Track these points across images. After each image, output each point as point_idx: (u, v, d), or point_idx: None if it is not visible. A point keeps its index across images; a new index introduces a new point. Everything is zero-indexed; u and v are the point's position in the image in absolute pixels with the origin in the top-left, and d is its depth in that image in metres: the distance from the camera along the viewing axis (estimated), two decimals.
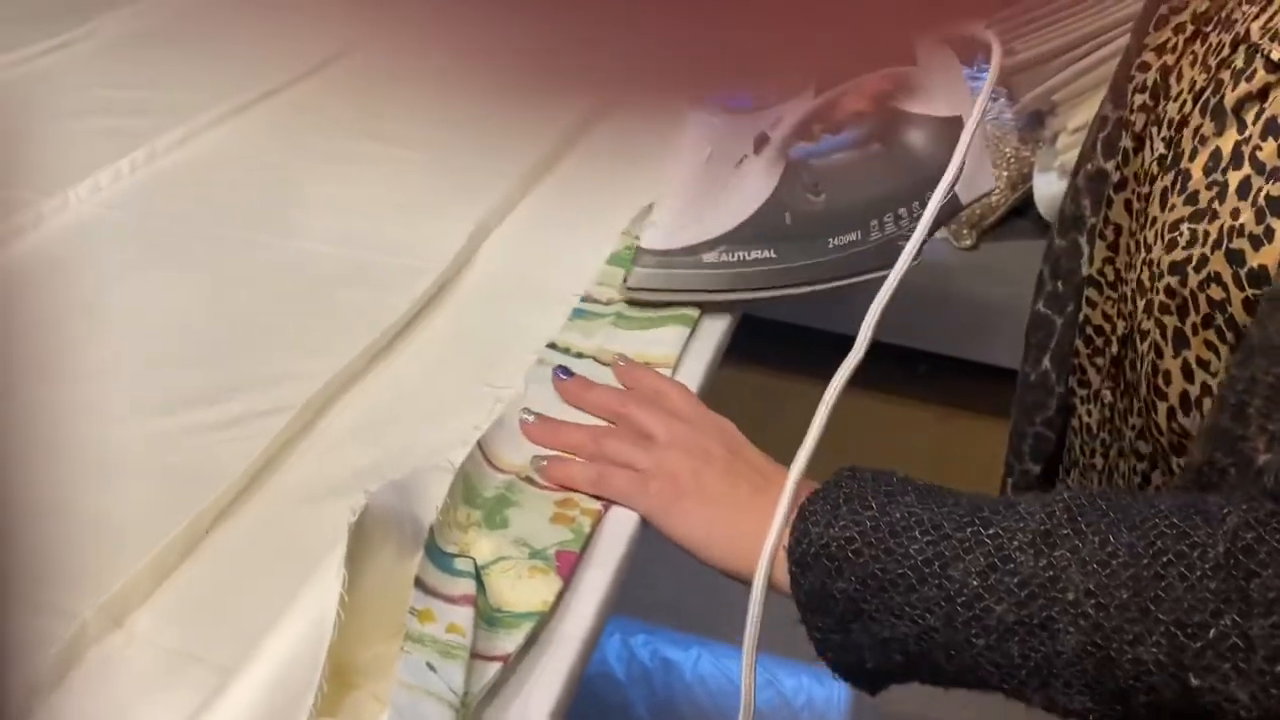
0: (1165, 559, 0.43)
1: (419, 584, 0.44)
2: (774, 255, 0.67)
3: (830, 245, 0.69)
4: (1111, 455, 0.63)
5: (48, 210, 0.79)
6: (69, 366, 0.64)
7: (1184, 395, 0.52)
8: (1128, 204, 0.59)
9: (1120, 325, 0.61)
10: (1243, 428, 0.47)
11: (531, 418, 0.59)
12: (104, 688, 0.45)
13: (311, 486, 0.57)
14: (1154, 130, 0.56)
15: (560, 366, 0.63)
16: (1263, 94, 0.47)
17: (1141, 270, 0.55)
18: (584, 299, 0.71)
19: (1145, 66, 0.58)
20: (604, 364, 0.65)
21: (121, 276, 0.73)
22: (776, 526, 0.50)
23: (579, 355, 0.65)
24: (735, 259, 0.66)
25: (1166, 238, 0.52)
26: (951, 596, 0.45)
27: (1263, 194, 0.46)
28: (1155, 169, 0.55)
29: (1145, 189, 0.56)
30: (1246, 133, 0.48)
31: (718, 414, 0.59)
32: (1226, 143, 0.49)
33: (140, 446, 0.58)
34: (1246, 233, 0.47)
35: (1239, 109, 0.49)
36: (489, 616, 0.46)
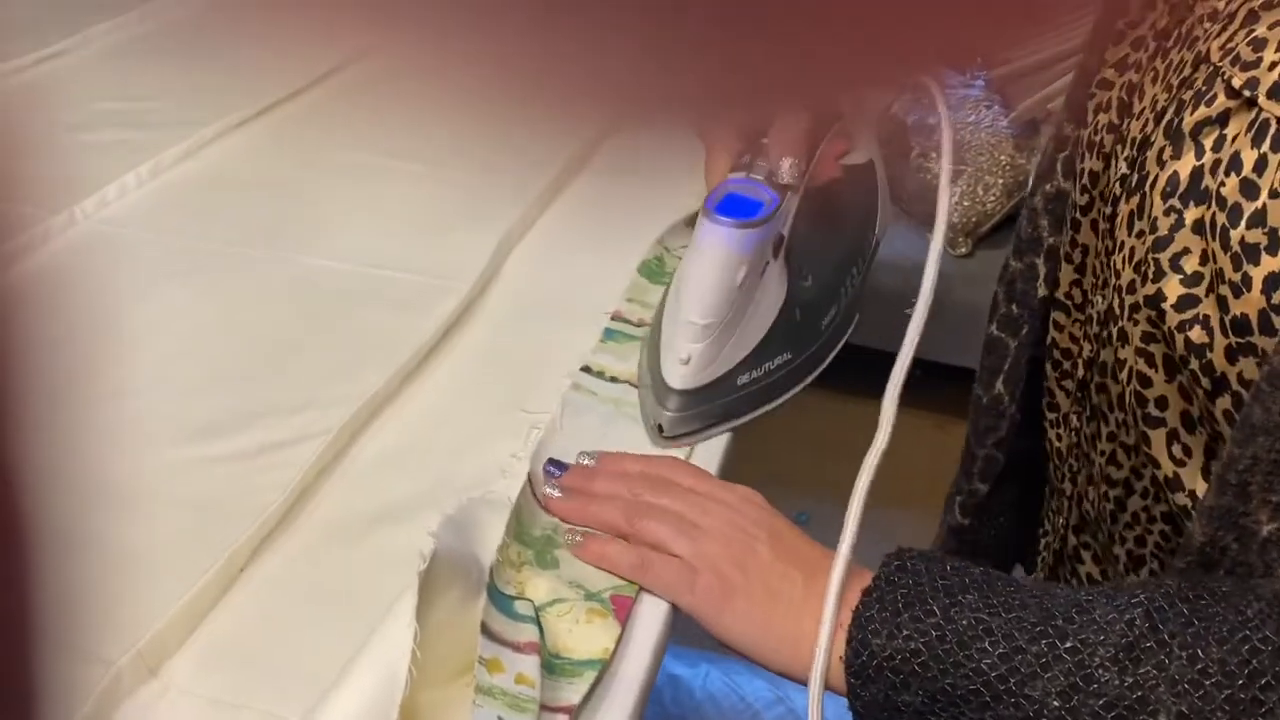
0: (1264, 681, 0.41)
1: (484, 629, 0.42)
2: (790, 356, 0.63)
3: (823, 326, 0.67)
4: (1080, 481, 0.61)
5: (54, 227, 0.76)
6: (81, 392, 0.62)
7: (1184, 416, 0.51)
8: (1094, 225, 0.58)
9: (1087, 348, 0.59)
10: (1244, 504, 0.45)
11: (556, 491, 0.54)
12: None
13: (346, 520, 0.54)
14: (1119, 149, 0.55)
15: (550, 462, 0.56)
16: (1222, 119, 0.46)
17: (1113, 297, 0.53)
18: (614, 317, 0.69)
19: (1107, 84, 0.57)
20: (638, 387, 0.63)
21: (132, 296, 0.70)
22: (827, 629, 0.47)
23: (613, 379, 0.63)
24: (763, 372, 0.61)
25: (1142, 268, 0.50)
26: (1031, 717, 0.43)
27: (1236, 239, 0.45)
28: (1119, 189, 0.53)
29: (1109, 209, 0.55)
30: (1204, 158, 0.47)
31: (735, 484, 0.55)
32: (1184, 167, 0.48)
33: (163, 477, 0.56)
34: (1226, 279, 0.45)
35: (1197, 132, 0.47)
36: (549, 663, 0.44)
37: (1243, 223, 0.44)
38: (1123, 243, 0.52)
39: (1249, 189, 0.44)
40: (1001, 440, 0.66)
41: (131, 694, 0.44)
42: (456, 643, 0.43)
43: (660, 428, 0.59)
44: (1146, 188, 0.50)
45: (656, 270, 0.72)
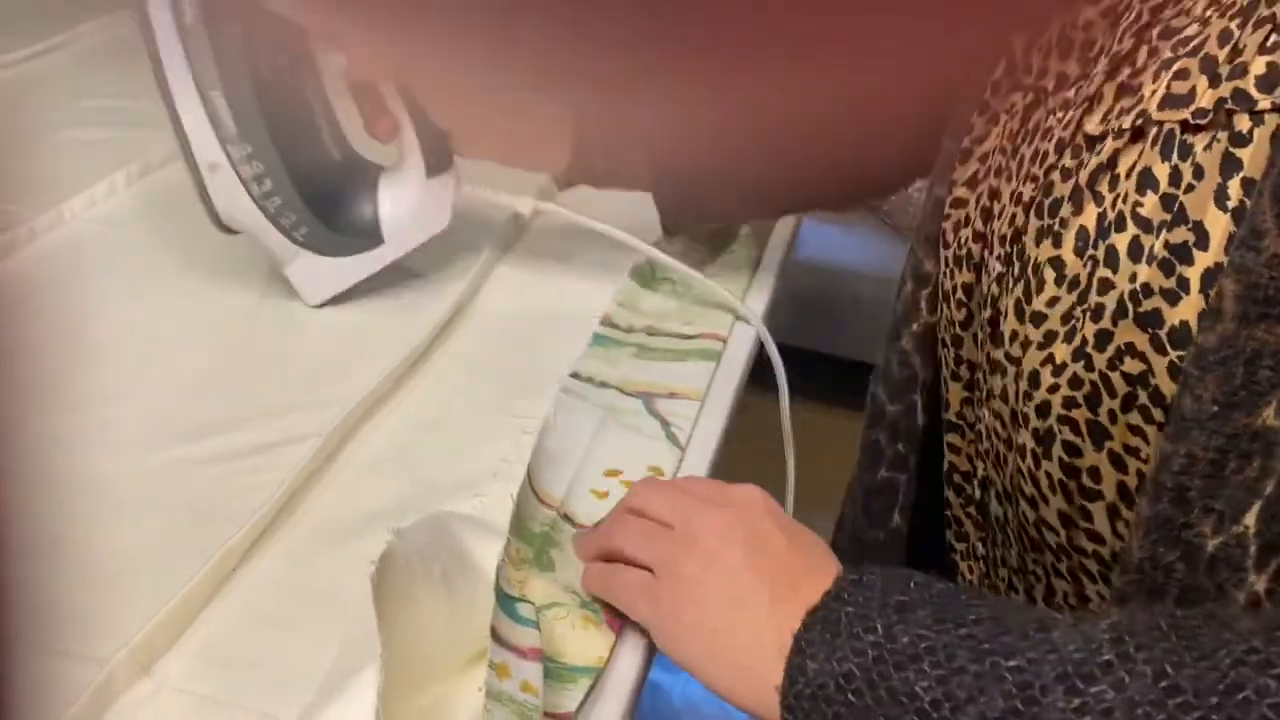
0: (1242, 695, 0.34)
1: (493, 633, 0.43)
2: None
3: None
4: None
5: (40, 226, 0.76)
6: (68, 393, 0.62)
7: (1121, 487, 0.47)
8: (976, 338, 0.55)
9: (980, 468, 0.56)
10: (1184, 514, 0.41)
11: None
12: None
13: (338, 522, 0.55)
14: (987, 254, 0.53)
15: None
16: (1111, 163, 0.46)
17: (1008, 385, 0.51)
18: (603, 322, 0.69)
19: (961, 202, 0.56)
20: (629, 395, 0.63)
21: (120, 296, 0.70)
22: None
23: (603, 384, 0.64)
24: None
25: (1059, 331, 0.47)
26: None
27: (1160, 246, 0.43)
28: (996, 289, 0.52)
29: (989, 313, 0.53)
30: (1105, 202, 0.46)
31: (741, 486, 0.51)
32: (1089, 219, 0.46)
33: (153, 479, 0.56)
34: (1156, 289, 0.43)
35: (1092, 184, 0.47)
36: (546, 668, 0.44)
37: (1165, 230, 0.43)
38: (1015, 332, 0.50)
39: (1168, 201, 0.43)
40: (901, 566, 0.60)
41: (125, 691, 0.45)
42: (443, 642, 0.43)
43: None
44: (1030, 270, 0.49)
45: (648, 276, 0.73)
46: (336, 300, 0.70)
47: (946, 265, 0.57)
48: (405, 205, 0.69)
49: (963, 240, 0.56)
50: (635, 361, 0.66)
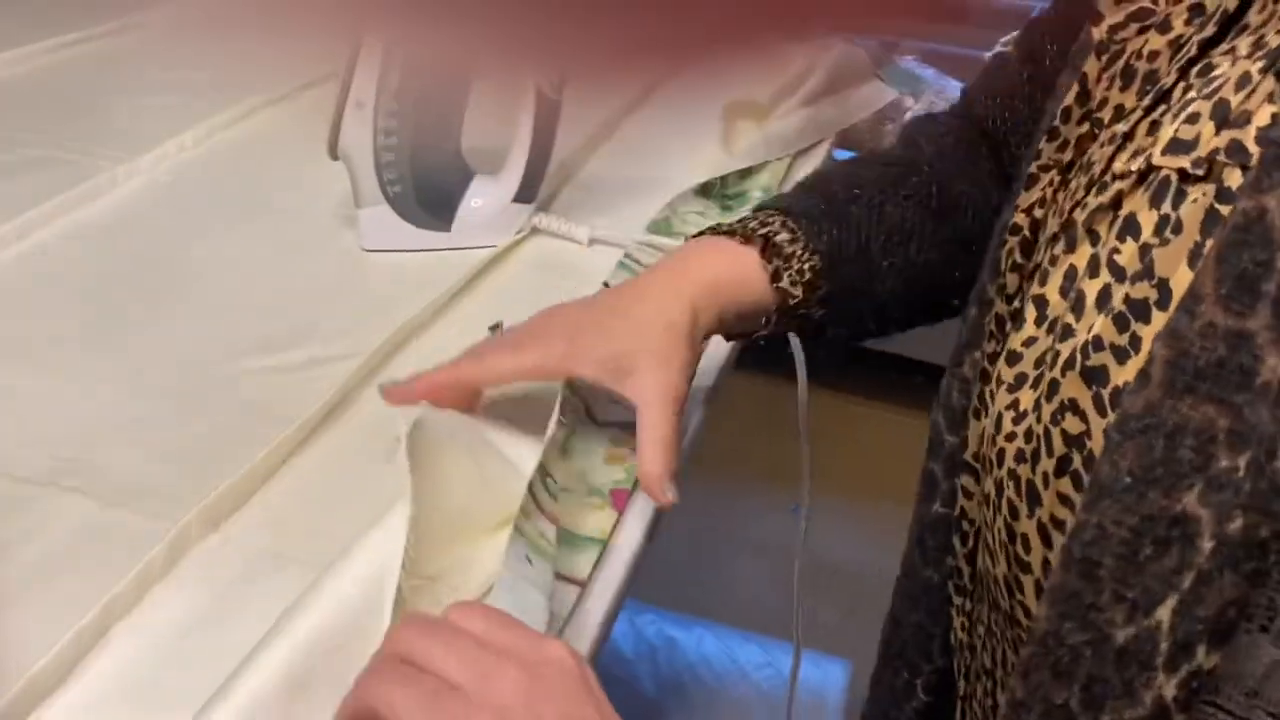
0: None
1: (529, 488, 0.50)
2: None
3: None
4: (971, 677, 0.55)
5: (122, 174, 0.84)
6: (151, 312, 0.70)
7: (1046, 564, 0.44)
8: (985, 373, 0.52)
9: (977, 517, 0.53)
10: (1094, 593, 0.38)
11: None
12: (206, 581, 0.50)
13: (381, 422, 0.62)
14: (1024, 286, 0.50)
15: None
16: (1115, 204, 0.43)
17: (983, 425, 0.48)
18: (627, 254, 0.76)
19: (1016, 229, 0.52)
20: None
21: (191, 234, 0.79)
22: None
23: None
24: None
25: (1029, 374, 0.45)
26: None
27: (1120, 298, 0.40)
28: (1009, 327, 0.49)
29: (993, 347, 0.51)
30: (1098, 244, 0.43)
31: (550, 642, 0.40)
32: (1080, 259, 0.44)
33: (220, 385, 0.63)
34: (1106, 344, 0.40)
35: (1090, 223, 0.44)
36: (561, 535, 0.51)
37: (1129, 282, 0.40)
38: (998, 373, 0.48)
39: (1145, 251, 0.40)
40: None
41: (198, 542, 0.52)
42: (469, 513, 0.50)
43: None
44: (1038, 288, 0.46)
45: (665, 229, 0.80)
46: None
47: (994, 294, 0.53)
48: (481, 214, 0.79)
49: (1005, 269, 0.52)
50: None
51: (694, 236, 0.62)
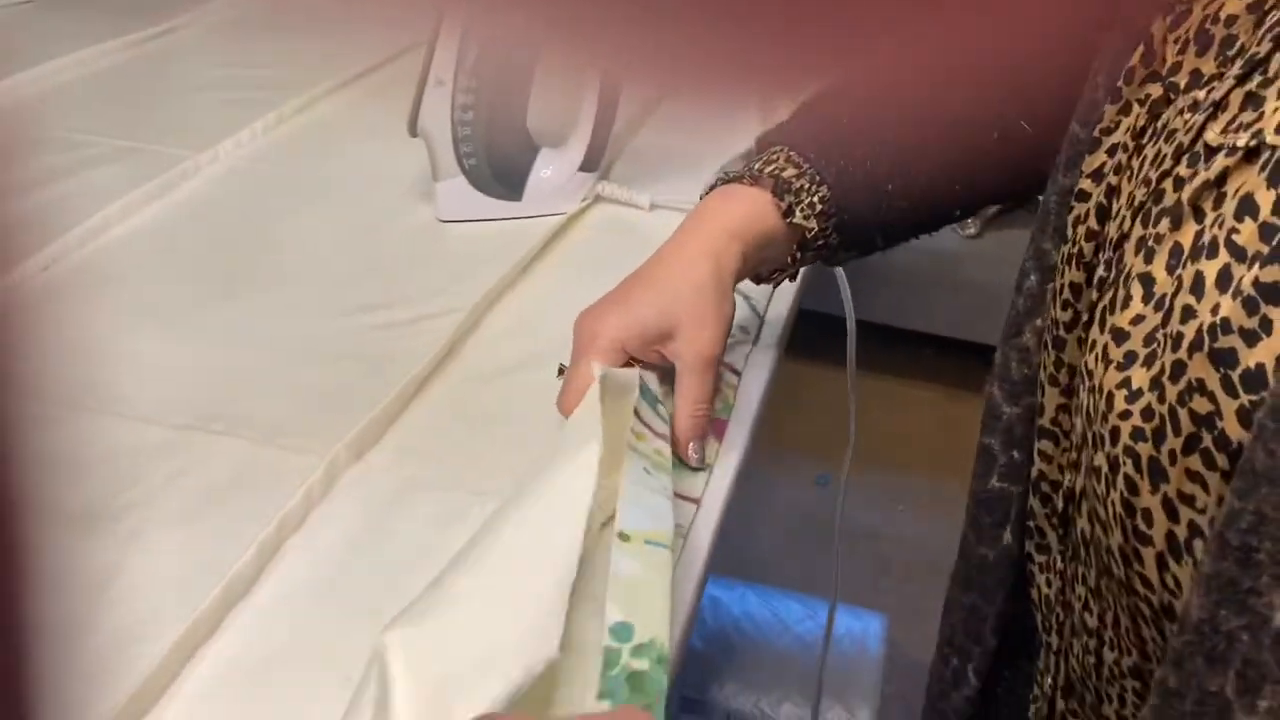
0: None
1: (636, 414, 0.55)
2: None
3: None
4: (1065, 633, 0.55)
5: (203, 161, 0.89)
6: (251, 282, 0.75)
7: (1170, 537, 0.44)
8: (1080, 341, 0.53)
9: (1068, 478, 0.54)
10: (1252, 578, 0.38)
11: None
12: (358, 503, 0.55)
13: (485, 368, 0.67)
14: (1099, 255, 0.51)
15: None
16: (1220, 180, 0.43)
17: (1089, 400, 0.48)
18: None
19: (1085, 195, 0.52)
20: None
21: (272, 214, 0.83)
22: None
23: None
24: None
25: (1139, 353, 0.45)
26: None
27: (1248, 281, 0.40)
28: (1095, 295, 0.49)
29: (1086, 318, 0.51)
30: (1206, 221, 0.43)
31: None
32: (1186, 236, 0.44)
33: (335, 340, 0.68)
34: (1235, 327, 0.40)
35: (1196, 200, 0.44)
36: (673, 461, 0.56)
37: (1258, 265, 0.40)
38: (1095, 341, 0.48)
39: (1268, 232, 0.40)
40: (1014, 591, 0.60)
41: (346, 470, 0.57)
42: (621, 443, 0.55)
43: None
44: (1121, 281, 0.47)
45: None
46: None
47: (1061, 261, 0.53)
48: (550, 183, 0.84)
49: (1077, 237, 0.52)
50: None
51: (710, 189, 0.65)
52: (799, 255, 0.64)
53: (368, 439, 0.59)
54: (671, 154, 0.93)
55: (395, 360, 0.65)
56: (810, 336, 1.07)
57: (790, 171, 0.62)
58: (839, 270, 0.81)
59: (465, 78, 0.78)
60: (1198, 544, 0.41)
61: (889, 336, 2.01)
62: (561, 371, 0.61)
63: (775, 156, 0.63)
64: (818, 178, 0.62)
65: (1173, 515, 0.44)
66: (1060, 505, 0.54)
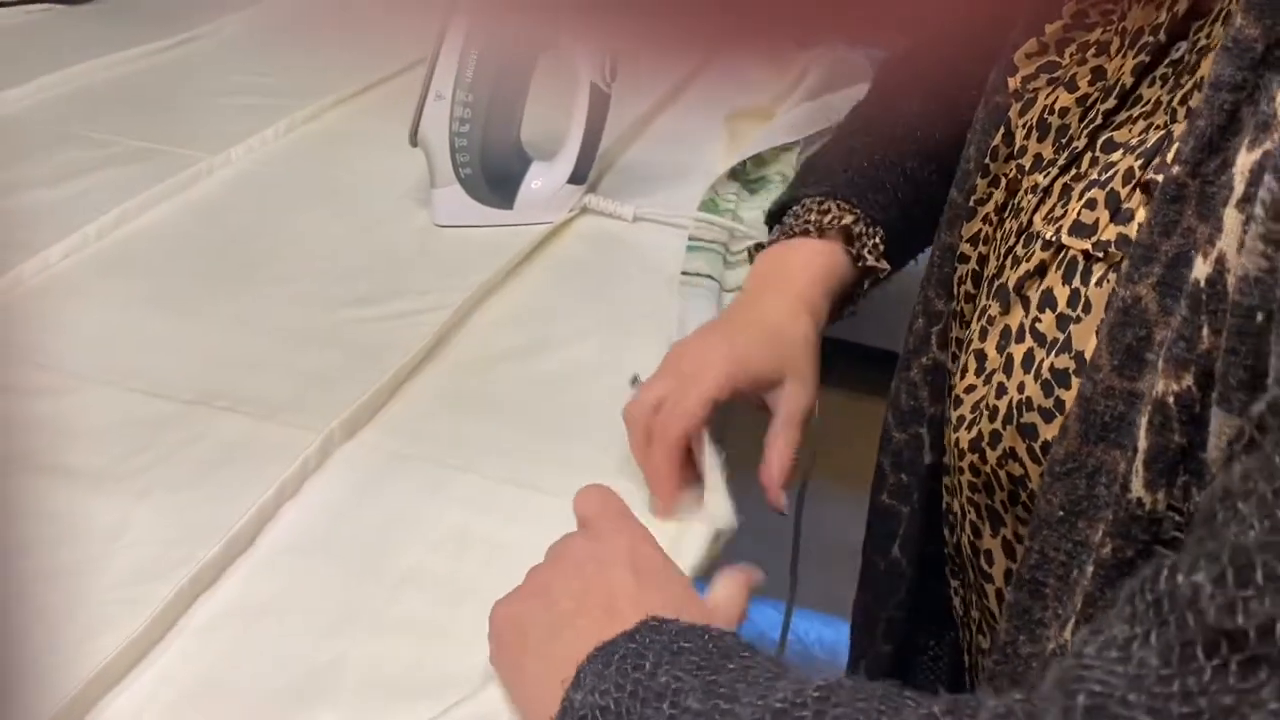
0: None
1: None
2: None
3: None
4: (972, 652, 0.60)
5: (216, 163, 0.95)
6: (256, 275, 0.80)
7: (1008, 574, 0.50)
8: (943, 391, 0.59)
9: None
10: (1041, 608, 0.43)
11: None
12: (350, 475, 0.61)
13: (471, 358, 0.73)
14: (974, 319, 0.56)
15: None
16: (1040, 271, 0.48)
17: (947, 453, 0.54)
18: (691, 237, 0.87)
19: (964, 258, 0.59)
20: (728, 290, 0.81)
21: (279, 215, 0.89)
22: None
23: (709, 277, 0.81)
24: None
25: (967, 417, 0.51)
26: None
27: (1046, 367, 0.46)
28: (963, 356, 0.55)
29: (955, 364, 0.57)
30: (1027, 308, 0.49)
31: (625, 522, 0.51)
32: (1013, 320, 0.49)
33: (334, 330, 0.74)
34: (1036, 406, 0.46)
35: (1020, 288, 0.49)
36: None
37: (1053, 353, 0.46)
38: (948, 401, 0.54)
39: (1063, 322, 0.46)
40: (902, 601, 0.65)
41: (339, 447, 0.63)
42: None
43: None
44: (978, 343, 0.52)
45: (712, 207, 0.91)
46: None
47: (949, 317, 0.60)
48: (540, 194, 0.90)
49: (960, 297, 0.59)
50: (723, 267, 0.84)
51: (768, 244, 0.70)
52: (865, 289, 0.70)
53: (360, 418, 0.65)
54: (655, 170, 0.99)
55: (389, 349, 0.71)
56: None
57: (849, 219, 0.68)
58: None
59: (463, 92, 0.84)
60: (1014, 571, 0.45)
61: (858, 354, 2.05)
62: (635, 381, 0.64)
63: (826, 207, 0.69)
64: (871, 220, 0.69)
65: (1010, 555, 0.50)
66: (956, 538, 0.59)
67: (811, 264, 0.68)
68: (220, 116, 1.05)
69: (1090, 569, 0.41)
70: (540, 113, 0.89)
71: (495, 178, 0.89)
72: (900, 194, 0.71)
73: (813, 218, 0.69)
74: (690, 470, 0.59)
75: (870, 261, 0.68)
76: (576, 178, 0.90)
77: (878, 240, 0.69)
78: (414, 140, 0.86)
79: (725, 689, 0.39)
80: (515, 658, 0.46)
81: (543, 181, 0.90)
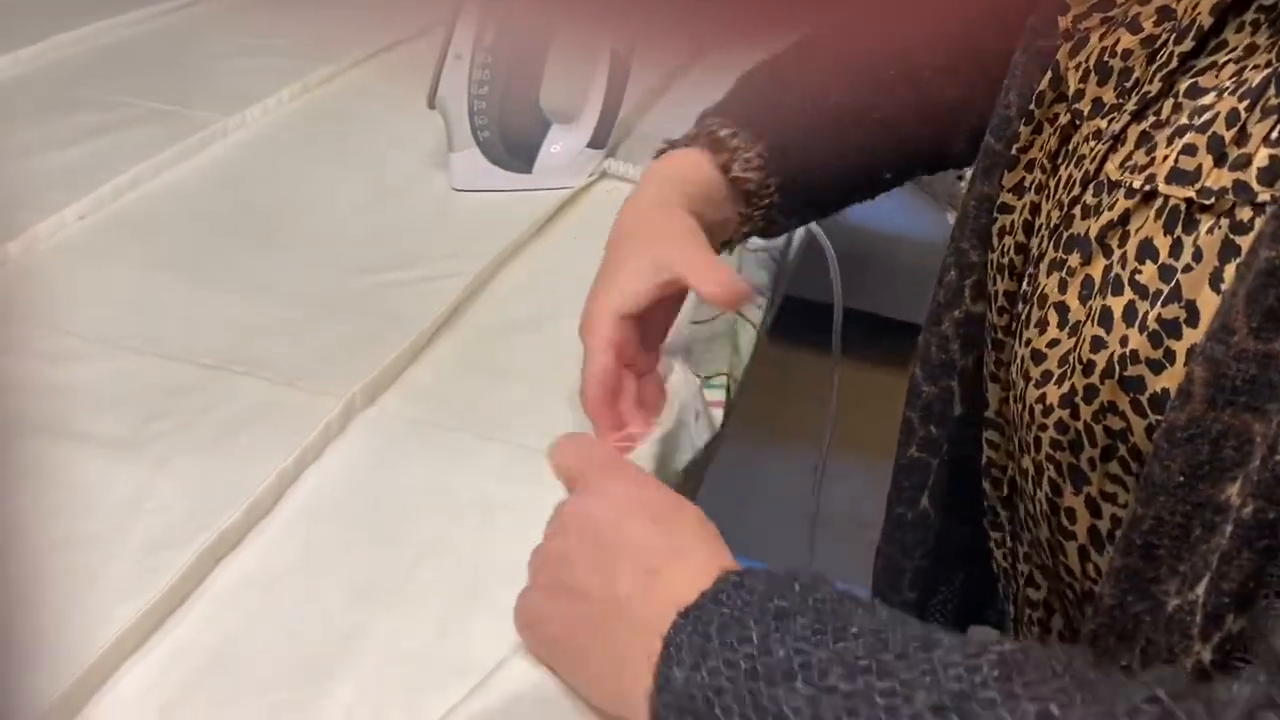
0: None
1: None
2: None
3: None
4: (1019, 603, 0.60)
5: (231, 125, 0.94)
6: (272, 240, 0.79)
7: (1093, 531, 0.49)
8: (999, 343, 0.58)
9: (1010, 466, 0.58)
10: (1152, 569, 0.43)
11: None
12: (370, 440, 0.60)
13: (491, 324, 0.72)
14: (1029, 270, 0.54)
15: None
16: (1124, 219, 0.47)
17: (1016, 405, 0.52)
18: None
19: (1008, 208, 0.57)
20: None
21: (295, 178, 0.88)
22: None
23: None
24: None
25: (1054, 372, 0.49)
26: None
27: (1153, 318, 0.44)
28: (1022, 306, 0.53)
29: (1005, 320, 0.56)
30: (1113, 257, 0.47)
31: (625, 474, 0.49)
32: (1095, 270, 0.48)
33: (352, 295, 0.73)
34: (1143, 358, 0.44)
35: (1103, 237, 0.47)
36: None
37: (1159, 303, 0.44)
38: (1017, 354, 0.52)
39: (1166, 273, 0.44)
40: (930, 551, 0.65)
41: (360, 413, 0.62)
42: None
43: None
44: (1037, 302, 0.51)
45: None
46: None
47: (991, 269, 0.58)
48: (559, 158, 0.89)
49: (1006, 248, 0.56)
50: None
51: (655, 157, 0.68)
52: (746, 212, 0.66)
53: (381, 384, 0.64)
54: (674, 135, 0.97)
55: (408, 315, 0.70)
56: (797, 324, 1.11)
57: (725, 132, 0.65)
58: (830, 255, 0.85)
59: (483, 54, 0.82)
60: (1119, 535, 0.45)
61: (875, 325, 2.04)
62: None
63: (711, 124, 0.67)
64: (751, 135, 0.65)
65: (1095, 512, 0.48)
66: (1006, 491, 0.59)
67: (668, 168, 0.65)
68: (234, 78, 1.03)
69: (1227, 528, 0.39)
70: (560, 76, 0.88)
71: (514, 141, 0.87)
72: (805, 123, 0.67)
73: (692, 132, 0.67)
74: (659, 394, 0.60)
75: (736, 172, 0.65)
76: (596, 142, 0.89)
77: (753, 154, 0.65)
78: (432, 102, 0.84)
79: (865, 659, 0.36)
80: (564, 650, 0.44)
81: (562, 146, 0.89)
